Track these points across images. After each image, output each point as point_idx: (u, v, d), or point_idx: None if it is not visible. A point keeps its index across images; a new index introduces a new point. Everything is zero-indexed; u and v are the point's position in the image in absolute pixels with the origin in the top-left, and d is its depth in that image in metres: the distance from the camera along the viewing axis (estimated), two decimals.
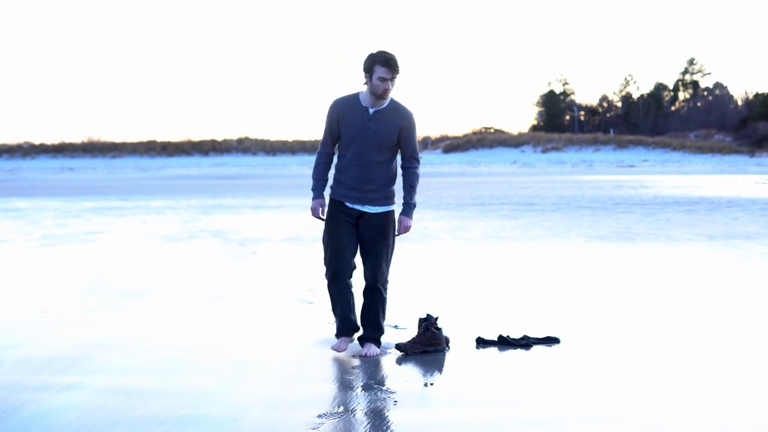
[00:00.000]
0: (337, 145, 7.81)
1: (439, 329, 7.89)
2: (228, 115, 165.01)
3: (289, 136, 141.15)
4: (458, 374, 7.15)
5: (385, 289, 7.80)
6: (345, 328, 7.80)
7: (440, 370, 7.31)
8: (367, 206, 7.63)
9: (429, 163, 77.88)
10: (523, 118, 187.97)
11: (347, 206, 7.66)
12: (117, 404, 6.25)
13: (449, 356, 7.75)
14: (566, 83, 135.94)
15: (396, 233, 7.75)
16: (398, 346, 7.80)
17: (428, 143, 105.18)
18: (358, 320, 7.86)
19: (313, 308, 9.91)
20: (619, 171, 63.09)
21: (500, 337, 8.19)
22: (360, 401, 6.31)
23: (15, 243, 17.37)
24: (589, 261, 13.98)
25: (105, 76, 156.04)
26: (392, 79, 7.43)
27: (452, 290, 11.17)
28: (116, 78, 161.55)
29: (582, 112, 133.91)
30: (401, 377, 7.04)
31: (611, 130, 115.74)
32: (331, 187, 7.77)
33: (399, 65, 7.41)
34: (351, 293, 7.80)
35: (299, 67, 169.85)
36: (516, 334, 8.38)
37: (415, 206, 7.78)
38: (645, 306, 10.03)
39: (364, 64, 7.47)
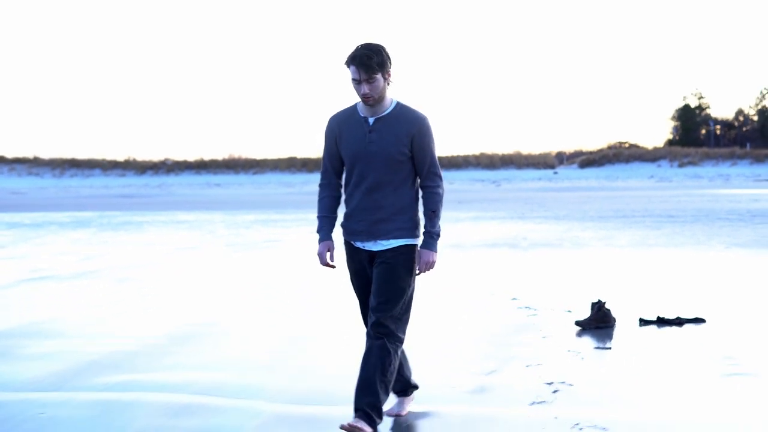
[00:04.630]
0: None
1: (608, 310, 9.75)
2: None
3: None
4: (623, 344, 9.01)
5: (391, 343, 6.01)
6: (396, 387, 6.54)
7: (610, 339, 9.21)
8: (379, 242, 6.09)
9: (567, 178, 79.09)
10: (657, 132, 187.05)
11: (358, 248, 6.21)
12: None
13: (616, 331, 9.58)
14: (701, 97, 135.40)
15: (416, 272, 6.16)
16: (577, 323, 9.73)
17: (564, 158, 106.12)
18: (411, 374, 6.66)
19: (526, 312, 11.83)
20: (756, 185, 63.39)
21: (658, 317, 10.00)
22: (561, 362, 8.24)
23: (204, 249, 19.59)
24: (728, 262, 15.71)
25: (243, 95, 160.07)
26: (368, 80, 5.87)
27: (614, 283, 13.18)
28: (254, 97, 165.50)
29: (718, 126, 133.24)
30: (584, 343, 8.95)
31: (747, 144, 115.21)
32: (341, 225, 6.31)
33: (375, 61, 5.85)
34: None
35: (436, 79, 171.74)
36: (671, 315, 10.18)
37: (438, 236, 6.15)
38: None
39: None
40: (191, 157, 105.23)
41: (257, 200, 47.58)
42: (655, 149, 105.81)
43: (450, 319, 10.45)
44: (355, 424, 5.70)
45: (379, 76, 5.87)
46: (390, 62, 5.96)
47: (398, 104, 6.10)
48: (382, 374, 5.92)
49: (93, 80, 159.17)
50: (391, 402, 6.61)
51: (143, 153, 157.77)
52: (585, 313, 10.24)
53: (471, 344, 9.06)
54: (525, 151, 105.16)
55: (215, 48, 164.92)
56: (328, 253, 6.27)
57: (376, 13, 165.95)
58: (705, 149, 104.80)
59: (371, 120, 6.05)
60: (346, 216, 6.21)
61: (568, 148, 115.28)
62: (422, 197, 6.18)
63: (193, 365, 8.29)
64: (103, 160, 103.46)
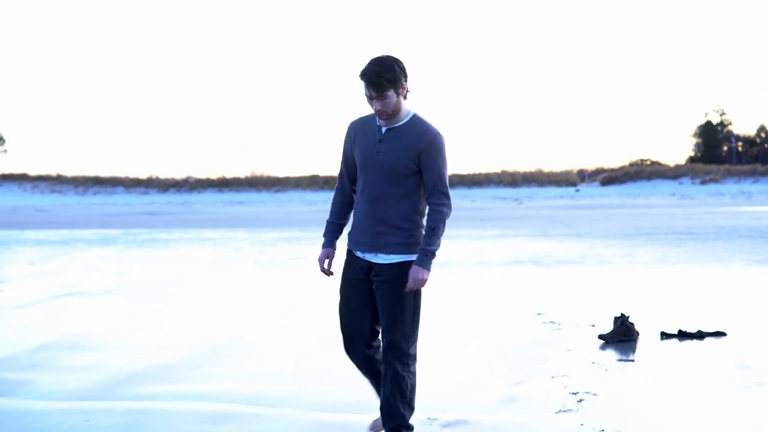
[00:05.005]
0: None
1: (631, 324, 10.00)
2: None
3: (448, 170, 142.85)
4: (645, 357, 9.26)
5: (405, 363, 6.03)
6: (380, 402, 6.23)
7: (633, 352, 9.48)
8: (380, 255, 6.04)
9: (588, 196, 79.17)
10: (679, 149, 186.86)
11: (357, 257, 6.17)
12: None
13: (639, 344, 9.83)
14: (723, 113, 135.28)
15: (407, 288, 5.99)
16: (600, 336, 9.98)
17: (585, 175, 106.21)
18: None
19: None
20: None
21: (679, 331, 10.24)
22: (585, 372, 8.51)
23: (231, 266, 19.90)
24: (749, 278, 15.97)
25: (265, 113, 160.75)
26: (379, 98, 5.83)
27: (636, 298, 13.44)
28: (276, 116, 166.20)
29: (740, 143, 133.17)
30: (607, 356, 9.19)
31: None
32: (348, 233, 6.31)
33: (385, 78, 5.80)
34: (375, 367, 6.27)
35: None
36: (692, 329, 10.42)
37: (434, 255, 5.97)
38: None
39: None
40: (213, 175, 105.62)
41: (280, 218, 47.80)
42: (677, 166, 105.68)
43: (478, 333, 10.71)
44: None
45: (391, 92, 5.80)
46: (404, 76, 5.89)
47: (414, 117, 6.01)
48: (402, 397, 6.00)
49: (114, 98, 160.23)
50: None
51: (165, 171, 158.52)
52: (608, 327, 10.49)
53: (498, 357, 9.33)
54: (546, 169, 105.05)
55: (237, 67, 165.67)
56: (327, 260, 6.24)
57: (399, 29, 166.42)
58: (727, 166, 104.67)
59: (384, 129, 5.99)
60: (353, 225, 6.19)
61: (590, 165, 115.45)
62: (427, 213, 6.05)
63: (227, 376, 8.58)
64: (126, 178, 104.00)
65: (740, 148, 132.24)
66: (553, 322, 11.29)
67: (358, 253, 6.12)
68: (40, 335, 10.92)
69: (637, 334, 10.09)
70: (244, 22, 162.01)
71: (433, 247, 5.94)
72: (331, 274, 6.21)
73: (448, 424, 6.79)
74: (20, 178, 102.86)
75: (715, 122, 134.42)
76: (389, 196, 5.96)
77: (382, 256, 6.01)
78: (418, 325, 6.07)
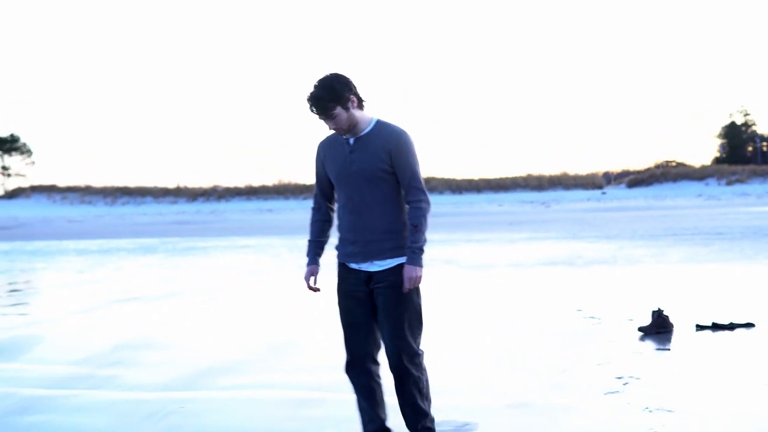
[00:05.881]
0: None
1: (667, 317, 10.74)
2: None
3: (475, 174, 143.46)
4: (681, 346, 10.02)
5: (416, 363, 6.11)
6: (370, 426, 6.25)
7: (670, 342, 10.25)
8: (375, 263, 6.05)
9: (615, 198, 79.70)
10: (704, 150, 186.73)
11: (352, 269, 6.18)
12: None
13: (675, 336, 10.58)
14: (747, 114, 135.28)
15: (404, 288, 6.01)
16: (639, 328, 10.74)
17: (611, 178, 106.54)
18: (387, 416, 6.33)
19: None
20: None
21: (713, 323, 10.97)
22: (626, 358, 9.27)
23: (274, 271, 20.73)
24: None
25: (291, 121, 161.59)
26: (328, 119, 5.94)
27: (670, 294, 14.21)
28: (301, 123, 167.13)
29: (765, 143, 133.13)
30: (646, 346, 9.94)
31: None
32: (336, 247, 6.31)
33: (327, 100, 5.88)
34: (376, 382, 6.28)
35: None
36: (724, 321, 11.16)
37: (421, 250, 6.01)
38: None
39: None
40: (239, 183, 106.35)
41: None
42: (703, 167, 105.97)
43: (523, 328, 11.44)
44: None
45: (338, 110, 5.87)
46: (348, 89, 5.94)
47: (377, 122, 6.08)
48: (421, 396, 6.11)
49: (141, 109, 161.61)
50: None
51: (191, 180, 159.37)
52: (645, 321, 11.20)
53: (545, 348, 10.07)
54: (572, 172, 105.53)
55: (261, 77, 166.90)
56: (312, 278, 6.27)
57: (421, 36, 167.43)
58: (752, 166, 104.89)
59: (351, 141, 6.04)
60: (339, 239, 6.21)
61: (615, 167, 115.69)
62: (408, 212, 6.06)
63: (294, 369, 9.38)
64: (154, 188, 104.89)
65: (765, 148, 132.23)
66: (593, 317, 12.01)
67: (353, 265, 6.13)
68: (112, 336, 11.71)
69: (673, 326, 10.80)
70: (265, 33, 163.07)
71: (419, 244, 5.98)
72: (318, 290, 6.26)
73: (509, 406, 7.54)
74: (49, 190, 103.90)
75: (739, 123, 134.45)
76: (371, 202, 6.01)
77: (378, 263, 6.04)
78: (422, 325, 6.14)
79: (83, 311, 14.36)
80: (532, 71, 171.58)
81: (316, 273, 6.29)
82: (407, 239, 6.00)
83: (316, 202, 6.35)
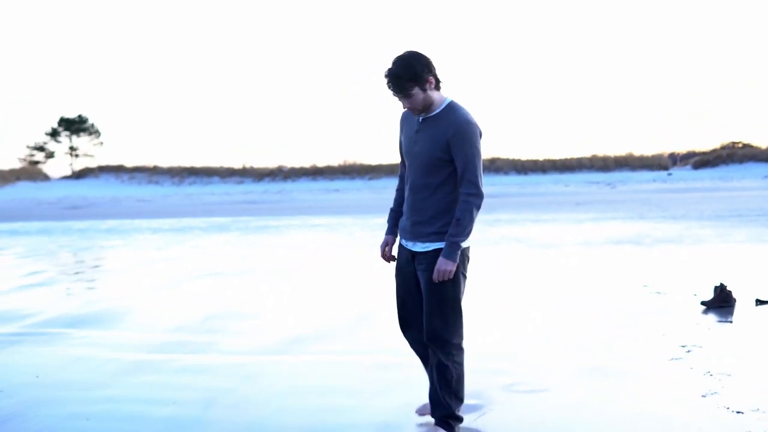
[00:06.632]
0: None
1: (729, 292, 11.26)
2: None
3: (540, 155, 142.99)
4: (742, 319, 10.58)
5: (447, 352, 6.08)
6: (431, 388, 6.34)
7: (731, 315, 10.79)
8: (418, 243, 6.09)
9: (681, 179, 79.28)
10: None
11: (403, 245, 6.27)
12: None
13: (736, 309, 11.10)
14: None
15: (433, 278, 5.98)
16: (703, 302, 11.29)
17: (677, 159, 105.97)
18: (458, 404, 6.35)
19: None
20: None
21: None
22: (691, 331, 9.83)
23: (350, 249, 21.31)
24: None
25: (356, 101, 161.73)
26: (404, 98, 5.89)
27: (733, 271, 14.68)
28: (367, 103, 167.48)
29: None
30: (709, 319, 10.50)
31: None
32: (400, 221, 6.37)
33: (405, 79, 5.80)
34: (425, 351, 6.43)
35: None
36: None
37: (458, 246, 5.89)
38: None
39: None
40: (305, 164, 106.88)
41: (379, 204, 48.16)
42: None
43: (591, 302, 11.98)
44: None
45: (415, 90, 5.81)
46: (428, 69, 5.86)
47: (448, 105, 5.98)
48: (448, 387, 6.09)
49: (205, 90, 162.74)
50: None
51: (256, 161, 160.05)
52: (709, 296, 11.71)
53: (612, 320, 10.65)
54: (637, 153, 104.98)
55: (325, 57, 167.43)
56: (387, 247, 6.38)
57: (478, 22, 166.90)
58: None
59: (420, 119, 6.01)
60: (404, 214, 6.25)
61: (680, 149, 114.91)
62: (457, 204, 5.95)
63: (375, 337, 10.04)
64: (221, 168, 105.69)
65: None
66: (659, 293, 12.54)
67: (403, 242, 6.21)
68: (201, 308, 12.41)
69: (735, 300, 11.31)
70: (340, 12, 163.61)
71: (458, 238, 5.87)
72: (394, 258, 6.36)
73: (580, 370, 8.18)
74: (117, 170, 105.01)
75: None
76: (425, 186, 5.97)
77: (420, 244, 6.05)
78: (460, 315, 6.09)
79: (167, 286, 15.05)
80: (596, 54, 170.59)
81: (392, 243, 6.40)
82: (448, 231, 5.92)
83: (401, 170, 6.39)
